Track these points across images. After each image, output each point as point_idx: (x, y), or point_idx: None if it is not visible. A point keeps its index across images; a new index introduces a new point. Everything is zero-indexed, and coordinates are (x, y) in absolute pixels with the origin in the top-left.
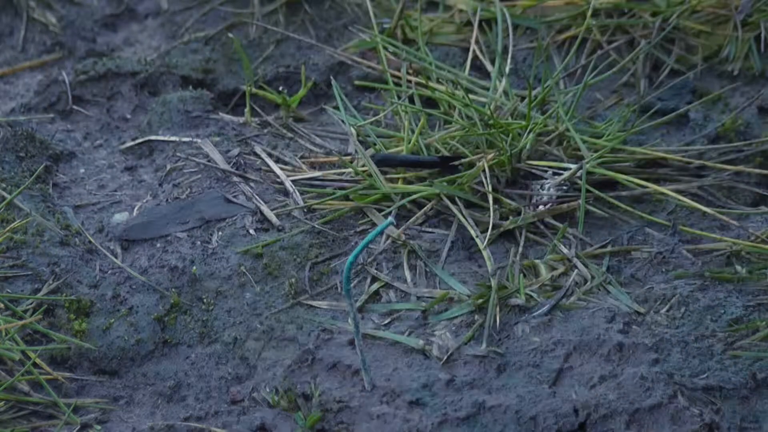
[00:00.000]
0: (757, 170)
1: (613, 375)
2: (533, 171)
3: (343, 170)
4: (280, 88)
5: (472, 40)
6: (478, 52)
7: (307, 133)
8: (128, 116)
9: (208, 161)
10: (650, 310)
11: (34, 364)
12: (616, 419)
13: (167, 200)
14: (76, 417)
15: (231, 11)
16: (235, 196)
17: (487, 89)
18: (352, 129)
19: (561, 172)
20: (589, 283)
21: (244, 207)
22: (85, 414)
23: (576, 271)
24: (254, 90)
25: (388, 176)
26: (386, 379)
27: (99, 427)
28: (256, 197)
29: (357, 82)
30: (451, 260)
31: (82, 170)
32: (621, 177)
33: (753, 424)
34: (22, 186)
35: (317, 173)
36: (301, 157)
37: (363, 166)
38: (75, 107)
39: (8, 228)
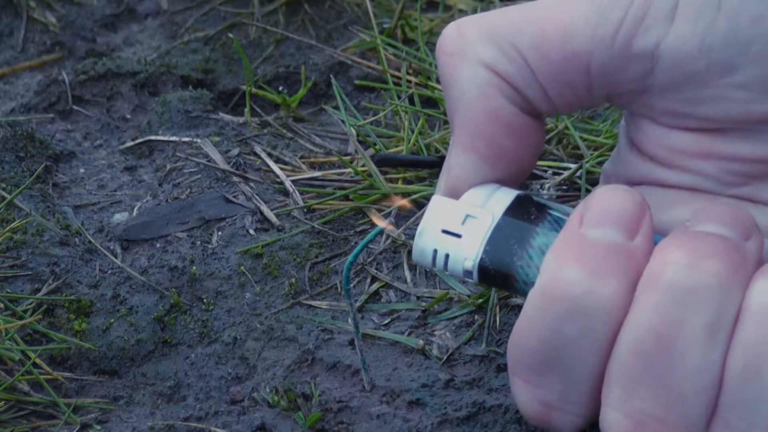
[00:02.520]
0: None
1: None
2: (533, 171)
3: (343, 170)
4: (280, 88)
5: None
6: None
7: (307, 133)
8: (128, 116)
9: (208, 161)
10: None
11: (34, 364)
12: None
13: (167, 200)
14: (76, 417)
15: (231, 11)
16: (235, 196)
17: None
18: (352, 129)
19: (561, 171)
20: None
21: (244, 207)
22: (85, 414)
23: None
24: (254, 90)
25: (388, 176)
26: (386, 379)
27: (99, 427)
28: (256, 197)
29: (357, 82)
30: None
31: (82, 170)
32: None
33: None
34: (22, 186)
35: (317, 173)
36: (301, 157)
37: (363, 166)
38: (75, 107)
39: (8, 228)
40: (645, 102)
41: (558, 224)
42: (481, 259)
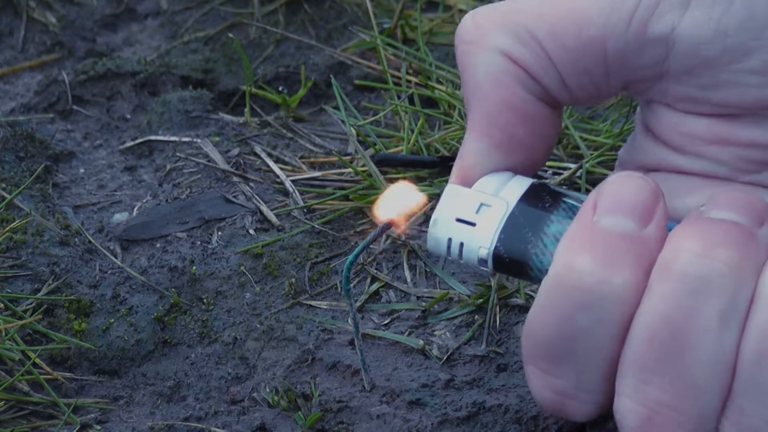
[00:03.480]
0: None
1: None
2: None
3: (343, 170)
4: (280, 88)
5: None
6: None
7: (307, 133)
8: (128, 116)
9: (208, 161)
10: None
11: (34, 364)
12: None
13: (167, 200)
14: (76, 417)
15: (231, 11)
16: (235, 196)
17: None
18: (352, 129)
19: (561, 171)
20: None
21: (244, 207)
22: (85, 414)
23: None
24: (254, 90)
25: (388, 176)
26: (386, 379)
27: (99, 427)
28: (256, 197)
29: (357, 82)
30: (452, 260)
31: (82, 170)
32: None
33: None
34: (22, 186)
35: (317, 173)
36: (301, 157)
37: (363, 166)
38: (75, 107)
39: (8, 228)
40: (660, 88)
41: (573, 212)
42: (496, 247)
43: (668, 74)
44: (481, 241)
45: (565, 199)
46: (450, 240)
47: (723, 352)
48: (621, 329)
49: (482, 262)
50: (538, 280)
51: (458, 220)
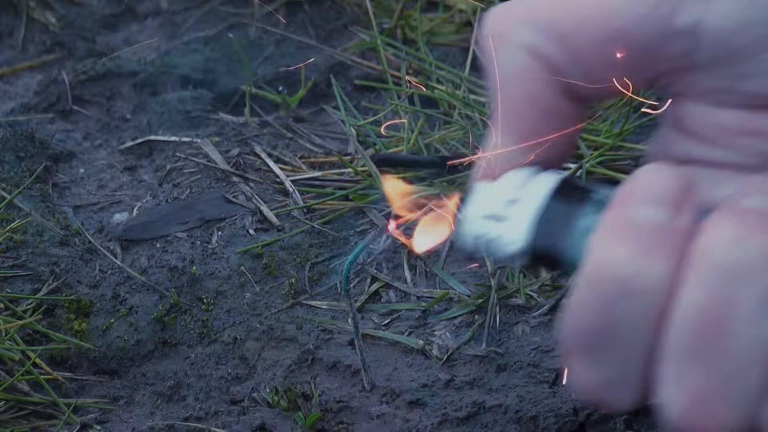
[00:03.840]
0: None
1: None
2: None
3: (343, 170)
4: (280, 88)
5: (472, 40)
6: (478, 52)
7: (307, 133)
8: (128, 116)
9: (208, 161)
10: None
11: (34, 364)
12: (616, 419)
13: (167, 200)
14: (76, 417)
15: (231, 11)
16: (235, 196)
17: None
18: (352, 129)
19: (561, 171)
20: None
21: (244, 207)
22: (85, 414)
23: None
24: (254, 90)
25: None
26: (386, 379)
27: (99, 427)
28: (256, 197)
29: (357, 82)
30: (451, 260)
31: (82, 170)
32: (621, 176)
33: None
34: (22, 186)
35: (317, 173)
36: (301, 157)
37: (363, 166)
38: (75, 107)
39: (8, 228)
40: (688, 80)
41: (602, 204)
42: (526, 243)
43: (695, 66)
44: (511, 237)
45: (592, 193)
46: (479, 237)
47: (762, 337)
48: (659, 319)
49: (513, 257)
50: (571, 273)
51: (487, 216)
